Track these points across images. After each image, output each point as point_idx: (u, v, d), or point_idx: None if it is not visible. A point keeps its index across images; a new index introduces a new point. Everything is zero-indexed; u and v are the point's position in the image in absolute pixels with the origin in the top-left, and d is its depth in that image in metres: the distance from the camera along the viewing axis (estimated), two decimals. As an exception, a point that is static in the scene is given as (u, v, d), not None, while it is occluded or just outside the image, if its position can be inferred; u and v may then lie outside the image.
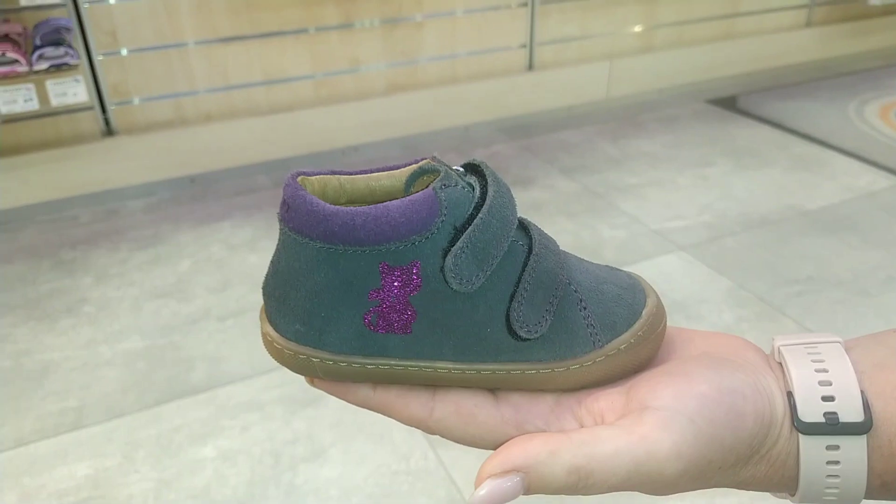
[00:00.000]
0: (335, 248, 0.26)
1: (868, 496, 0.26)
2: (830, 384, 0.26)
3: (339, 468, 1.17)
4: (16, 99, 1.74)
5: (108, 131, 2.01)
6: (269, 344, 0.29)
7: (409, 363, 0.28)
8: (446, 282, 0.27)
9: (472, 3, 2.29)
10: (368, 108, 2.23)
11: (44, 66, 1.70)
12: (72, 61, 1.72)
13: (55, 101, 1.78)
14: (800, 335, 0.28)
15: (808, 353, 0.27)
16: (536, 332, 0.28)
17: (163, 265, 1.74)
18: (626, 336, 0.29)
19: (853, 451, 0.25)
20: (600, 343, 0.29)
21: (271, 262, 0.29)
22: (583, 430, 0.26)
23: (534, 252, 0.28)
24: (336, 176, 0.30)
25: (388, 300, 0.27)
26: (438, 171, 0.27)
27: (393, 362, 0.28)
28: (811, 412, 0.26)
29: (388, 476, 1.15)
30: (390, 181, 0.29)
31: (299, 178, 0.29)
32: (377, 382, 0.29)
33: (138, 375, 1.38)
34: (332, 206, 0.27)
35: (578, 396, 0.28)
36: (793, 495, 0.27)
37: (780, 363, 0.28)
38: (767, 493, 0.29)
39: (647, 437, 0.25)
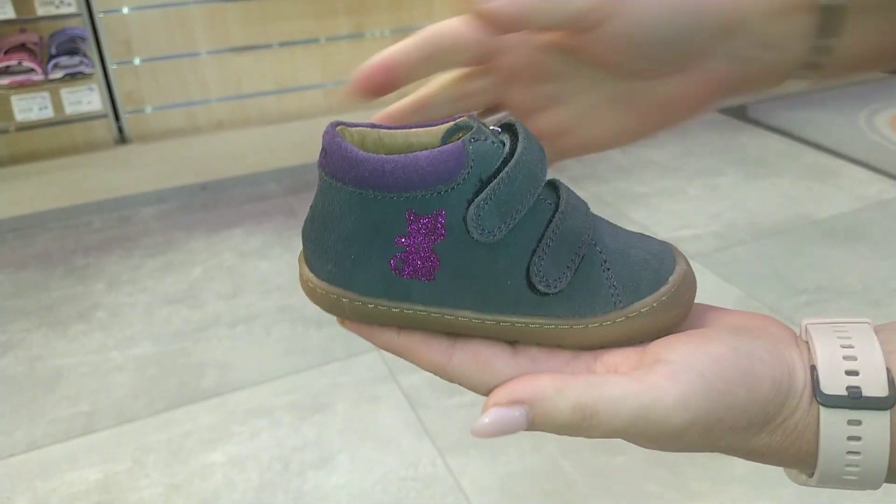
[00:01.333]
0: (366, 193, 0.27)
1: (889, 479, 0.26)
2: (855, 359, 0.26)
3: (347, 475, 1.17)
4: (31, 107, 1.77)
5: (122, 139, 2.03)
6: (304, 284, 0.30)
7: (431, 309, 0.29)
8: (468, 232, 0.27)
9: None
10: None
11: (59, 74, 1.72)
12: (86, 70, 1.75)
13: (69, 109, 1.80)
14: (828, 318, 0.28)
15: (835, 331, 0.27)
16: (555, 287, 0.28)
17: (174, 272, 1.76)
18: (648, 300, 0.29)
19: (875, 426, 0.25)
20: (621, 304, 0.29)
21: (310, 206, 0.30)
22: (592, 374, 0.26)
23: (560, 210, 0.29)
24: (376, 129, 0.30)
25: (412, 247, 0.28)
26: (472, 127, 0.28)
27: (416, 308, 0.29)
28: (834, 385, 0.25)
29: (395, 483, 1.15)
30: (428, 137, 0.30)
31: (338, 128, 0.29)
32: (402, 327, 0.30)
33: (149, 381, 1.39)
34: (365, 153, 0.28)
35: (596, 353, 0.29)
36: (811, 475, 0.27)
37: (807, 341, 0.27)
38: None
39: (656, 384, 0.25)
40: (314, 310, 1.58)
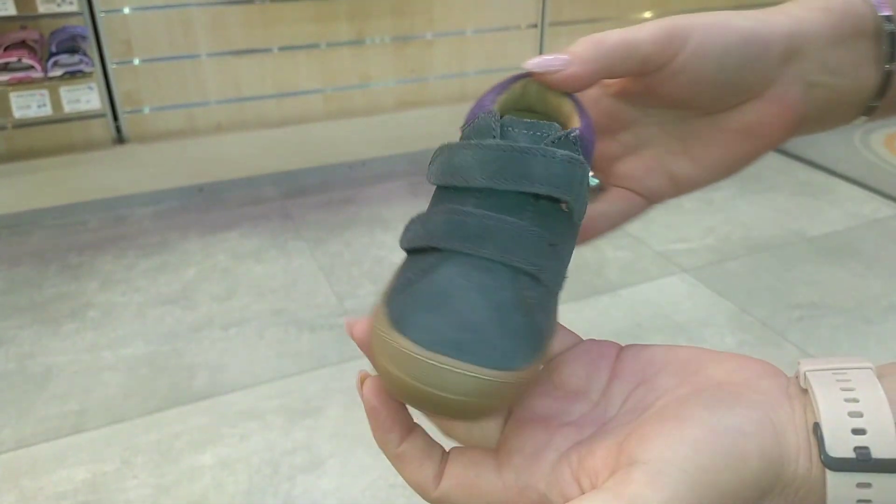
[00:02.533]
0: None
1: None
2: (861, 415, 0.24)
3: (336, 480, 1.17)
4: (29, 104, 1.76)
5: (120, 139, 2.03)
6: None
7: None
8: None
9: (482, 22, 2.31)
10: (377, 123, 2.25)
11: (58, 72, 1.72)
12: (86, 69, 1.75)
13: (68, 108, 1.80)
14: (827, 359, 0.26)
15: (838, 381, 0.25)
16: None
17: (169, 272, 1.76)
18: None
19: (887, 490, 0.23)
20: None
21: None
22: (573, 502, 0.25)
23: None
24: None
25: None
26: None
27: None
28: (840, 446, 0.24)
29: (384, 489, 1.15)
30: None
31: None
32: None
33: (140, 381, 1.39)
34: None
35: (579, 453, 0.27)
36: None
37: (806, 389, 0.26)
38: None
39: (636, 496, 0.23)
40: (307, 313, 1.59)
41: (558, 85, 0.30)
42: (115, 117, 2.00)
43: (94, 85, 1.81)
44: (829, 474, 0.24)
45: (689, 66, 0.30)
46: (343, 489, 1.15)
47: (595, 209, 0.34)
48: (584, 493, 0.25)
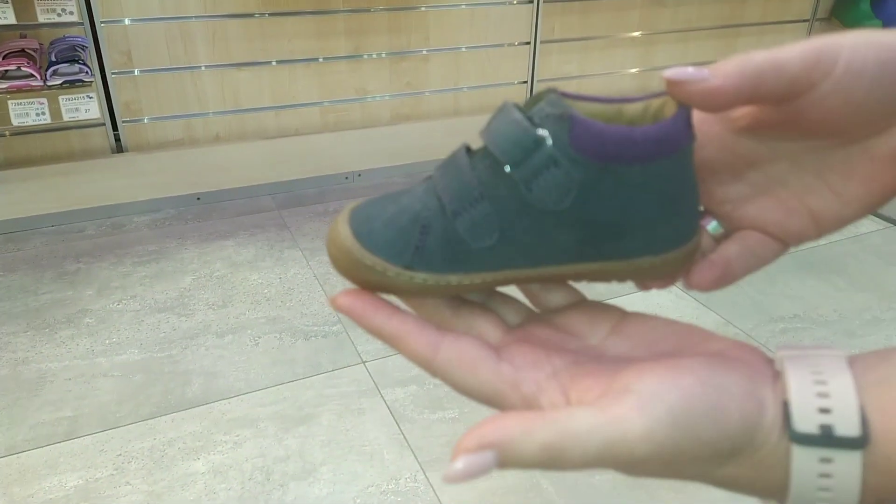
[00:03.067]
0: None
1: None
2: (828, 396, 0.25)
3: (328, 487, 1.18)
4: (28, 112, 1.78)
5: (118, 147, 2.05)
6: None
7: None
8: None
9: (477, 39, 2.35)
10: (373, 135, 2.28)
11: (58, 81, 1.74)
12: (85, 78, 1.77)
13: (67, 117, 1.82)
14: (803, 347, 0.28)
15: (809, 364, 0.26)
16: None
17: (165, 280, 1.77)
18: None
19: (847, 465, 0.25)
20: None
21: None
22: (559, 409, 0.27)
23: None
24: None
25: None
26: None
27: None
28: (806, 422, 0.25)
29: (376, 496, 1.16)
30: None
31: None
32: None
33: (134, 388, 1.40)
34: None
35: (573, 372, 0.29)
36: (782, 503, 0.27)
37: (780, 372, 0.27)
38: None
39: (621, 417, 0.25)
40: (302, 321, 1.61)
41: (696, 99, 0.27)
42: (115, 126, 2.01)
43: (93, 94, 1.83)
44: (795, 448, 0.25)
45: (841, 87, 0.27)
46: (335, 496, 1.17)
47: (725, 253, 0.33)
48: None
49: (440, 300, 0.32)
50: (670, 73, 0.27)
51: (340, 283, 1.76)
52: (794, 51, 0.27)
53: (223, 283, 1.76)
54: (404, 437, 1.29)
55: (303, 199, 2.20)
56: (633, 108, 0.30)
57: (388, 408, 1.35)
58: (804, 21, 2.94)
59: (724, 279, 0.33)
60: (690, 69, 0.27)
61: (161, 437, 1.28)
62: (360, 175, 2.31)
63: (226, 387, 1.40)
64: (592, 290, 0.33)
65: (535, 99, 0.29)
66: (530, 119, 0.27)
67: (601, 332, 0.32)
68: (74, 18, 1.79)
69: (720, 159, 0.31)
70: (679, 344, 0.30)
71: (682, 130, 0.28)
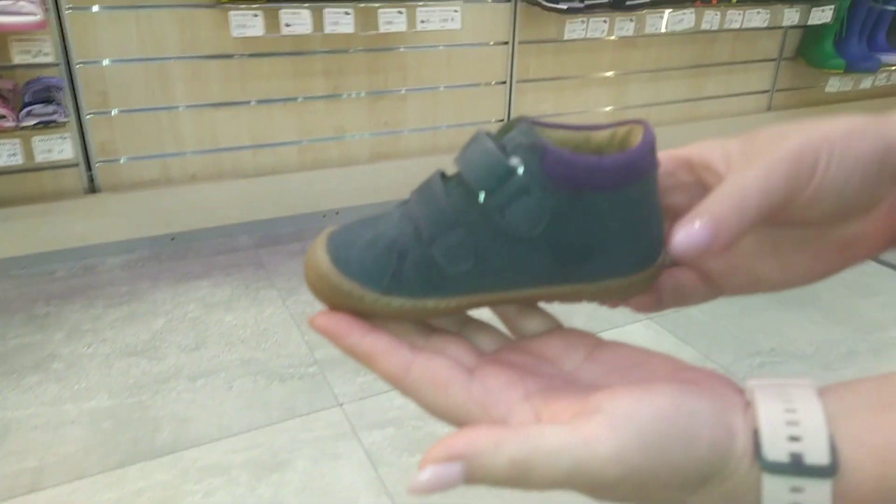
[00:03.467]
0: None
1: None
2: (798, 424, 0.25)
3: (304, 535, 1.15)
4: (0, 153, 1.76)
5: (92, 188, 2.03)
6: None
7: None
8: None
9: (454, 79, 2.39)
10: (352, 174, 2.28)
11: (31, 122, 1.72)
12: (60, 119, 1.75)
13: (40, 157, 1.80)
14: (774, 378, 0.28)
15: (779, 394, 0.27)
16: None
17: (137, 323, 1.73)
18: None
19: (817, 495, 0.25)
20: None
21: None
22: (531, 425, 0.26)
23: None
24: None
25: None
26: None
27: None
28: (776, 450, 0.25)
29: (353, 545, 1.13)
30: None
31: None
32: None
33: (103, 435, 1.36)
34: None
35: (545, 395, 0.29)
36: None
37: (751, 401, 0.27)
38: None
39: (592, 437, 0.25)
40: (278, 363, 1.58)
41: (709, 257, 0.29)
42: (89, 167, 2.00)
43: (67, 135, 1.82)
44: (765, 476, 0.25)
45: (814, 198, 0.29)
46: (310, 545, 1.13)
47: (662, 286, 0.35)
48: None
49: (413, 326, 0.32)
50: (679, 248, 0.28)
51: (317, 324, 1.73)
52: (780, 172, 0.28)
53: (196, 325, 1.73)
54: (382, 481, 1.26)
55: (280, 239, 2.19)
56: (600, 136, 0.32)
57: (366, 451, 1.32)
58: (771, 60, 3.02)
59: (657, 307, 0.35)
60: (694, 234, 0.28)
61: (129, 488, 1.23)
62: (337, 213, 2.31)
63: (197, 433, 1.37)
64: (570, 322, 0.33)
65: (506, 127, 0.30)
66: (503, 148, 0.28)
67: (576, 358, 0.32)
68: (50, 59, 1.78)
69: (683, 204, 0.33)
70: (652, 372, 0.30)
71: (648, 158, 0.29)
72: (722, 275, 0.35)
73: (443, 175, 0.31)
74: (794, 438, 0.25)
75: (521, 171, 0.28)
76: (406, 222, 0.30)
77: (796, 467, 0.25)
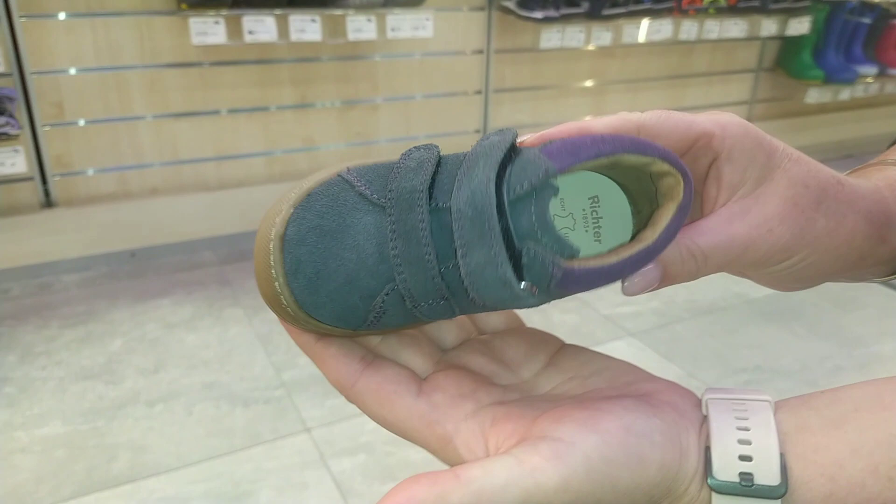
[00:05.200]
0: None
1: None
2: (750, 443, 0.25)
3: (265, 574, 1.08)
4: (-49, 167, 1.68)
5: (48, 203, 1.95)
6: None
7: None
8: None
9: (428, 88, 2.34)
10: (321, 186, 2.22)
11: (-18, 134, 1.65)
12: (12, 131, 1.68)
13: (-8, 171, 1.72)
14: (730, 390, 0.28)
15: (734, 409, 0.26)
16: None
17: (93, 344, 1.65)
18: None
19: None
20: None
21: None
22: (474, 464, 0.25)
23: None
24: None
25: None
26: None
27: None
28: (726, 471, 0.25)
29: (318, 582, 1.06)
30: None
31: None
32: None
33: (56, 464, 1.28)
34: None
35: (495, 413, 0.28)
36: None
37: (706, 416, 0.27)
38: None
39: (537, 468, 0.25)
40: (242, 386, 1.51)
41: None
42: (44, 181, 1.91)
43: (20, 147, 1.74)
44: (715, 497, 0.25)
45: (788, 276, 0.31)
46: (271, 584, 1.06)
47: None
48: (488, 453, 0.27)
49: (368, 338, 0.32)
50: (632, 291, 0.29)
51: (284, 344, 1.66)
52: (738, 243, 0.29)
53: (156, 346, 1.65)
54: (349, 513, 1.19)
55: (246, 254, 2.11)
56: (632, 162, 0.27)
57: (335, 480, 1.25)
58: (750, 71, 3.02)
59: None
60: (647, 282, 0.29)
61: (81, 522, 1.16)
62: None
63: (155, 462, 1.29)
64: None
65: (508, 154, 0.26)
66: (516, 257, 0.25)
67: (537, 363, 0.32)
68: (1, 69, 1.71)
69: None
70: (612, 380, 0.30)
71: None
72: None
73: (428, 194, 0.26)
74: (744, 458, 0.25)
75: (532, 300, 0.25)
76: (384, 268, 0.27)
77: (746, 488, 0.25)
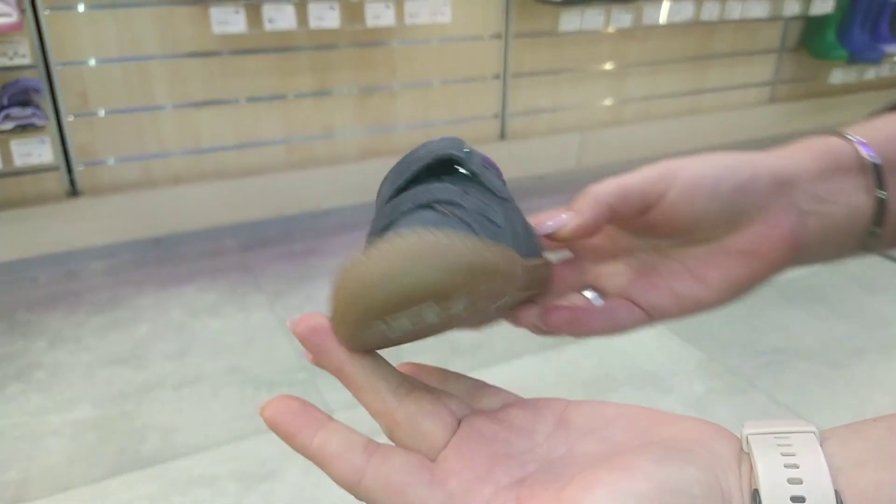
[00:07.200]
0: None
1: None
2: (801, 482, 0.23)
3: (291, 551, 1.10)
4: (-21, 158, 1.72)
5: (74, 192, 1.98)
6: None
7: None
8: None
9: (448, 74, 2.34)
10: (340, 172, 2.23)
11: (9, 125, 1.68)
12: (38, 122, 1.71)
13: (19, 162, 1.76)
14: (771, 422, 0.26)
15: (779, 445, 0.25)
16: None
17: (120, 330, 1.69)
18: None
19: None
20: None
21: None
22: None
23: None
24: None
25: None
26: None
27: None
28: None
29: (343, 560, 1.08)
30: None
31: None
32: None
33: (87, 446, 1.31)
34: None
35: (518, 492, 0.26)
36: None
37: (748, 453, 0.25)
38: None
39: None
40: (265, 370, 1.53)
41: (569, 238, 0.34)
42: (70, 170, 1.95)
43: (46, 138, 1.77)
44: None
45: (684, 198, 0.34)
46: (297, 561, 1.08)
47: (579, 302, 0.37)
48: None
49: (392, 384, 0.30)
50: (543, 228, 0.35)
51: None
52: (639, 175, 0.34)
53: (181, 332, 1.68)
54: (372, 492, 1.21)
55: (267, 241, 2.14)
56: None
57: (356, 461, 1.27)
58: (773, 52, 2.97)
59: (575, 325, 0.36)
60: (551, 222, 0.34)
61: (114, 500, 1.19)
62: (327, 214, 2.26)
63: (183, 443, 1.32)
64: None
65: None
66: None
67: (548, 425, 0.30)
68: (27, 61, 1.74)
69: (603, 246, 0.38)
70: (630, 429, 0.29)
71: None
72: (646, 297, 0.37)
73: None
74: (797, 499, 0.23)
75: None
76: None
77: None
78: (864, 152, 0.36)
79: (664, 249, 0.37)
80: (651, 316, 0.37)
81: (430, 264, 0.23)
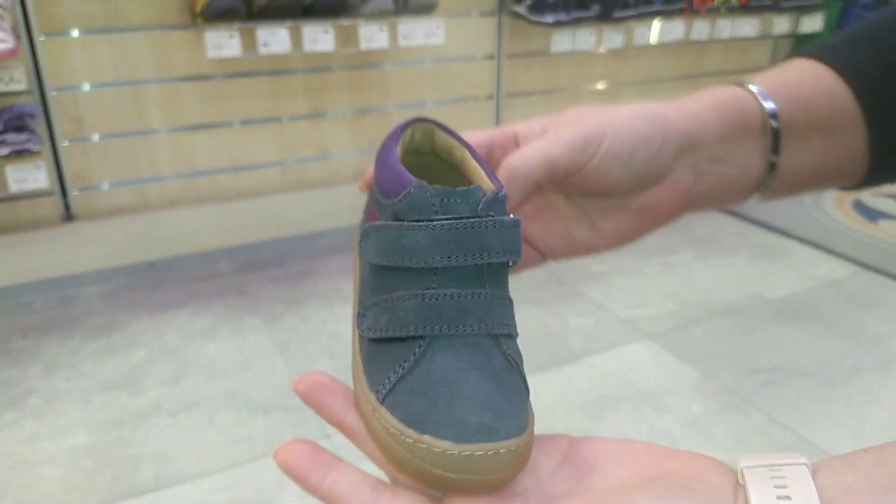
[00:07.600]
0: None
1: None
2: None
3: (288, 580, 1.09)
4: (-26, 183, 1.71)
5: (68, 216, 1.98)
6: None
7: None
8: None
9: (441, 94, 2.35)
10: (335, 194, 2.24)
11: (4, 151, 1.68)
12: (34, 147, 1.71)
13: (14, 187, 1.75)
14: (765, 455, 0.27)
15: (772, 478, 0.25)
16: None
17: (116, 355, 1.68)
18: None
19: None
20: None
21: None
22: None
23: None
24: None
25: None
26: None
27: None
28: None
29: (341, 589, 1.07)
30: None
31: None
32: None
33: (82, 474, 1.30)
34: None
35: None
36: None
37: (743, 486, 0.26)
38: None
39: None
40: (262, 394, 1.52)
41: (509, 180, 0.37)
42: (64, 195, 1.95)
43: (41, 163, 1.77)
44: None
45: (601, 169, 0.37)
46: (295, 591, 1.07)
47: None
48: None
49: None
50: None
51: (302, 354, 1.68)
52: (563, 144, 0.36)
53: (177, 357, 1.67)
54: (370, 519, 1.20)
55: (263, 263, 2.13)
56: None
57: (354, 486, 1.26)
58: (763, 70, 3.00)
59: None
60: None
61: (107, 531, 1.18)
62: (322, 235, 2.26)
63: (178, 471, 1.31)
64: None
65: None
66: (499, 207, 0.31)
67: (552, 461, 0.31)
68: (23, 87, 1.74)
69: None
70: (632, 465, 0.29)
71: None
72: (543, 239, 0.41)
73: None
74: None
75: None
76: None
77: None
78: (768, 111, 0.39)
79: (571, 197, 0.41)
80: (544, 256, 0.41)
81: (505, 474, 0.27)
